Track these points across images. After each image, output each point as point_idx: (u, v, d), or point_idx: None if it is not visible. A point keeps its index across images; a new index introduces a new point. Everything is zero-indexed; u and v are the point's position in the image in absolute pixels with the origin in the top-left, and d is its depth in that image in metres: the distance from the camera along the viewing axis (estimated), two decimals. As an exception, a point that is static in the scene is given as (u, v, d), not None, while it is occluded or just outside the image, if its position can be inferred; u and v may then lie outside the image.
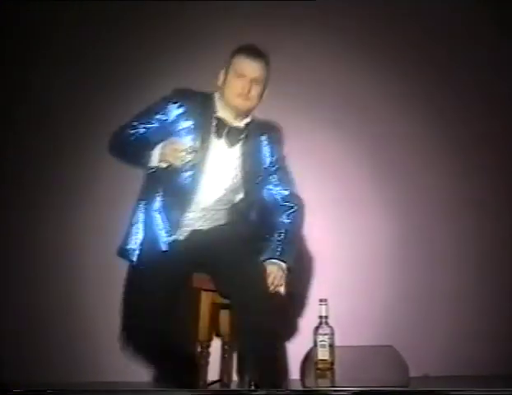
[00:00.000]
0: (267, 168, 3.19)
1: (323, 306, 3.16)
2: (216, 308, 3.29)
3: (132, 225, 3.14)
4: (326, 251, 4.05)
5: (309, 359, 3.22)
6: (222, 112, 3.10)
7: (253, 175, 3.16)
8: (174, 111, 3.08)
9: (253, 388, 2.85)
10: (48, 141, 4.15)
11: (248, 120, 3.14)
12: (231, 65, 3.09)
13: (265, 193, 3.19)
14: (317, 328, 3.16)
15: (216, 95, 3.14)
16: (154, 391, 3.14)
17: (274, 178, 3.20)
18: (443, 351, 4.02)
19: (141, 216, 3.13)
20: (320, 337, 3.15)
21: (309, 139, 4.09)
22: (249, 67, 3.05)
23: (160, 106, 3.10)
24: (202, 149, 3.03)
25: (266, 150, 3.20)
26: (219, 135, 3.09)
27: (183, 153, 2.95)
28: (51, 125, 4.16)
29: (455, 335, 4.03)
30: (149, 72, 4.12)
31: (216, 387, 3.35)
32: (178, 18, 4.13)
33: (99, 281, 4.05)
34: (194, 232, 3.12)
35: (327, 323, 3.15)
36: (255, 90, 3.07)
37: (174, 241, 3.09)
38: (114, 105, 4.05)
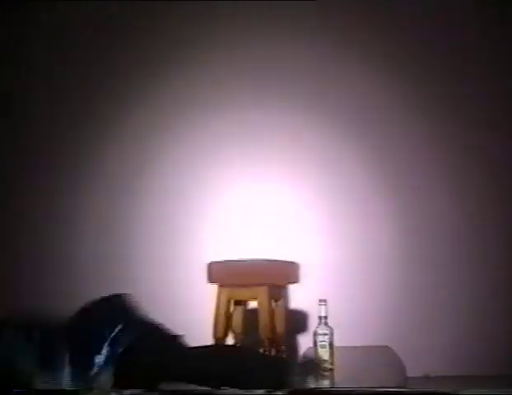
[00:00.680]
0: None
1: (323, 306, 3.16)
2: (231, 304, 3.36)
3: None
4: (326, 251, 4.07)
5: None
6: None
7: None
8: None
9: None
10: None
11: None
12: None
13: None
14: (316, 328, 3.17)
15: None
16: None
17: None
18: (442, 351, 4.03)
19: None
20: (320, 338, 3.15)
21: (308, 141, 4.10)
22: None
23: None
24: None
25: None
26: None
27: None
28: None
29: (455, 335, 4.04)
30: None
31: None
32: (177, 19, 4.15)
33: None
34: None
35: (326, 324, 3.16)
36: None
37: None
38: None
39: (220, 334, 3.47)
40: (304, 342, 3.87)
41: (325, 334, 3.15)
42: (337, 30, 4.11)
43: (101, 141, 4.18)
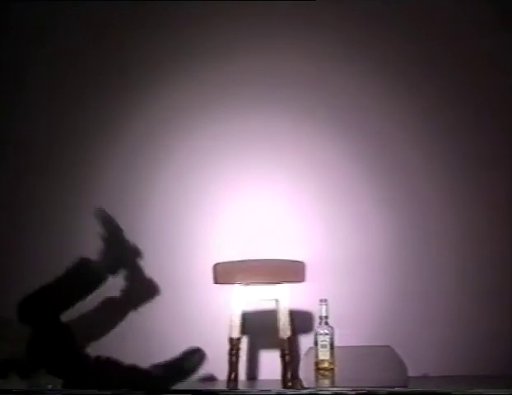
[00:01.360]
0: None
1: (323, 306, 3.16)
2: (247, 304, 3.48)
3: None
4: (326, 251, 4.07)
5: (308, 359, 3.23)
6: None
7: None
8: None
9: None
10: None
11: None
12: None
13: None
14: (317, 328, 3.17)
15: None
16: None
17: None
18: (442, 351, 4.04)
19: None
20: (321, 337, 3.15)
21: (307, 142, 4.11)
22: None
23: None
24: None
25: None
26: None
27: None
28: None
29: (455, 335, 4.05)
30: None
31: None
32: (177, 18, 4.14)
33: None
34: None
35: (327, 323, 3.16)
36: None
37: None
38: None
39: (235, 334, 3.49)
40: (305, 342, 3.87)
41: (326, 334, 3.14)
42: (338, 38, 4.11)
43: (102, 145, 4.18)
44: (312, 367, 3.15)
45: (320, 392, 2.84)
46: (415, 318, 4.07)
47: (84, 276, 3.35)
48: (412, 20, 4.08)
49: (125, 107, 4.16)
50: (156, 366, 3.34)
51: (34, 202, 4.19)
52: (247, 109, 4.14)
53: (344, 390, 2.71)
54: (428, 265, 4.10)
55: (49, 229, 4.18)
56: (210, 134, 4.15)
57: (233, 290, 3.51)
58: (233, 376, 3.50)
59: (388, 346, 3.40)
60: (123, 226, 4.11)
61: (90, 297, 3.50)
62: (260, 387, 3.93)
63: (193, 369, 3.40)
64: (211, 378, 3.86)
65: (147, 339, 4.05)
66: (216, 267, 3.60)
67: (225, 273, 3.53)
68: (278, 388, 3.41)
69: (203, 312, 4.04)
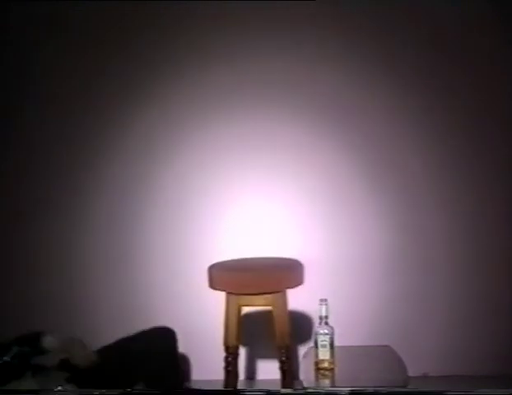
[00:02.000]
0: None
1: (324, 306, 3.17)
2: (241, 310, 3.38)
3: None
4: (326, 252, 4.07)
5: (308, 359, 3.23)
6: None
7: None
8: None
9: None
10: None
11: None
12: None
13: None
14: (317, 328, 3.18)
15: None
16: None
17: None
18: (442, 351, 4.04)
19: None
20: (321, 337, 3.15)
21: (305, 143, 4.11)
22: None
23: None
24: None
25: None
26: None
27: None
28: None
29: (455, 335, 4.05)
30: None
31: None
32: (179, 20, 4.14)
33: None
34: None
35: (327, 323, 3.16)
36: None
37: None
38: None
39: (231, 341, 3.44)
40: (305, 342, 3.88)
41: (326, 334, 3.15)
42: (339, 42, 4.11)
43: (102, 147, 4.18)
44: (312, 367, 3.15)
45: (320, 392, 2.84)
46: (415, 318, 4.07)
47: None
48: (412, 20, 4.08)
49: (126, 108, 4.16)
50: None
51: (34, 202, 4.19)
52: (246, 110, 4.14)
53: (344, 390, 2.72)
54: (427, 265, 4.10)
55: (50, 229, 4.18)
56: (210, 136, 4.15)
57: (229, 297, 3.43)
58: (229, 382, 3.45)
59: (387, 346, 3.40)
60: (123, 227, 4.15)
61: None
62: (259, 387, 3.92)
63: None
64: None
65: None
66: (211, 271, 3.47)
67: (220, 281, 3.41)
68: (278, 388, 3.38)
69: (199, 316, 4.04)
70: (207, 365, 3.82)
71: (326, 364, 3.14)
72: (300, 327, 3.90)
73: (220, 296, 3.45)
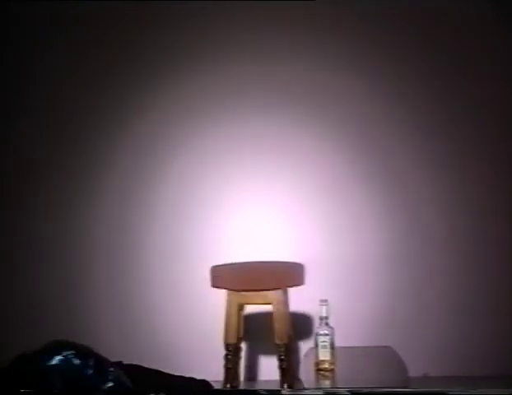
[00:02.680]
0: None
1: (324, 307, 3.17)
2: (242, 309, 3.37)
3: None
4: (326, 252, 4.07)
5: (309, 359, 3.23)
6: None
7: None
8: None
9: None
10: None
11: None
12: None
13: None
14: (317, 329, 3.18)
15: None
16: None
17: None
18: (442, 351, 4.04)
19: None
20: (321, 338, 3.16)
21: (305, 145, 4.11)
22: None
23: None
24: None
25: None
26: None
27: None
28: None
29: (455, 335, 4.05)
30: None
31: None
32: (179, 20, 4.14)
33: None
34: None
35: (327, 324, 3.16)
36: None
37: None
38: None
39: (232, 340, 3.44)
40: (305, 343, 3.88)
41: (326, 334, 3.15)
42: (338, 44, 4.10)
43: (103, 148, 4.18)
44: (312, 367, 3.16)
45: (320, 393, 2.84)
46: (415, 318, 4.07)
47: None
48: (412, 20, 4.08)
49: (127, 109, 4.15)
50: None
51: (34, 202, 4.19)
52: (247, 112, 4.14)
53: (344, 390, 2.72)
54: (427, 265, 4.09)
55: (50, 230, 4.18)
56: (210, 137, 4.15)
57: (230, 295, 3.44)
58: (229, 382, 3.45)
59: (388, 347, 3.41)
60: (123, 227, 4.15)
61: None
62: (259, 387, 3.92)
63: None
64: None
65: (151, 341, 4.07)
66: (213, 270, 3.50)
67: (221, 279, 3.43)
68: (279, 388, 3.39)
69: (201, 315, 4.04)
70: (207, 365, 3.81)
71: (326, 365, 3.15)
72: (301, 327, 3.90)
73: (220, 298, 3.46)
